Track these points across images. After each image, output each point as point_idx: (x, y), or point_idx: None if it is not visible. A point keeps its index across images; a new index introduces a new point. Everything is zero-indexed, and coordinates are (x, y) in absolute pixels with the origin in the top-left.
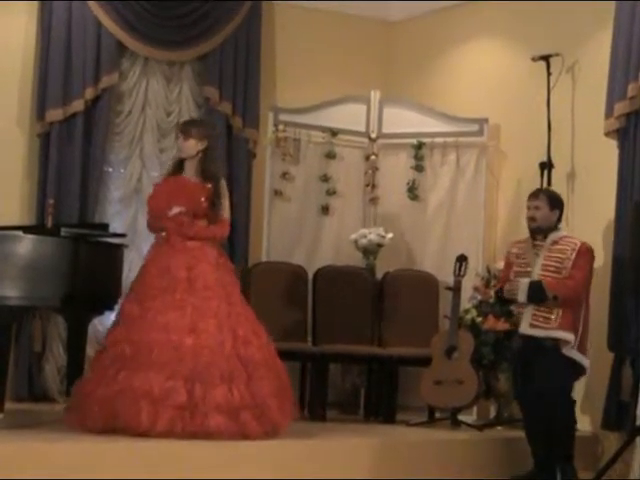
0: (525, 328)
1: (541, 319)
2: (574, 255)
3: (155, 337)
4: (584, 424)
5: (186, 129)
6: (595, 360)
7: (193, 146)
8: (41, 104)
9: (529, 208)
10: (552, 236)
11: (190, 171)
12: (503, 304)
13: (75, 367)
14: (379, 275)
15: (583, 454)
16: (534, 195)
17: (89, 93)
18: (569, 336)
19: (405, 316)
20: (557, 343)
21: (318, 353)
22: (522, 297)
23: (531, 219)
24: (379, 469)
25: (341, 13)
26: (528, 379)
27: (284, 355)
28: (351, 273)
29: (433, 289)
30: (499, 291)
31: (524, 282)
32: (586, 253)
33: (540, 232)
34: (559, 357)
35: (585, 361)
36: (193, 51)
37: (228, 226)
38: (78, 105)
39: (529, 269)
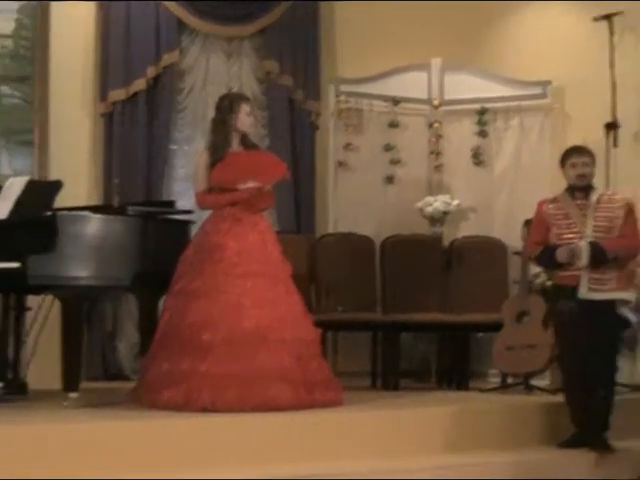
0: (585, 293)
1: (598, 282)
2: (623, 213)
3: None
4: None
5: (250, 105)
6: None
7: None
8: (104, 84)
9: (575, 165)
10: (595, 194)
11: (236, 144)
12: (550, 268)
13: (148, 345)
14: (446, 242)
15: None
16: (581, 152)
17: (151, 72)
18: (629, 295)
19: (474, 282)
20: (614, 303)
21: (389, 322)
22: (585, 261)
23: (583, 176)
24: (454, 436)
25: None
26: (578, 342)
27: (355, 325)
28: (419, 241)
29: (502, 254)
30: (545, 255)
31: (584, 245)
32: (633, 209)
33: (586, 190)
34: (614, 317)
35: (632, 317)
36: (252, 26)
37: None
38: (140, 84)
39: (576, 229)
